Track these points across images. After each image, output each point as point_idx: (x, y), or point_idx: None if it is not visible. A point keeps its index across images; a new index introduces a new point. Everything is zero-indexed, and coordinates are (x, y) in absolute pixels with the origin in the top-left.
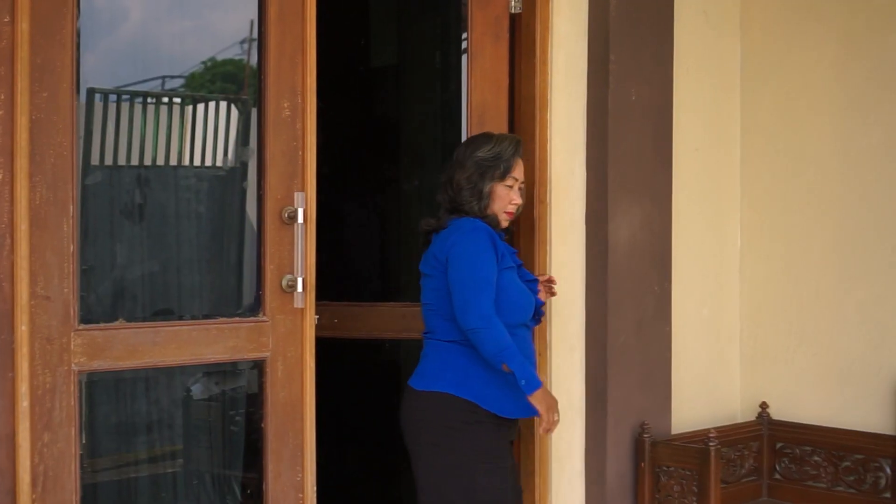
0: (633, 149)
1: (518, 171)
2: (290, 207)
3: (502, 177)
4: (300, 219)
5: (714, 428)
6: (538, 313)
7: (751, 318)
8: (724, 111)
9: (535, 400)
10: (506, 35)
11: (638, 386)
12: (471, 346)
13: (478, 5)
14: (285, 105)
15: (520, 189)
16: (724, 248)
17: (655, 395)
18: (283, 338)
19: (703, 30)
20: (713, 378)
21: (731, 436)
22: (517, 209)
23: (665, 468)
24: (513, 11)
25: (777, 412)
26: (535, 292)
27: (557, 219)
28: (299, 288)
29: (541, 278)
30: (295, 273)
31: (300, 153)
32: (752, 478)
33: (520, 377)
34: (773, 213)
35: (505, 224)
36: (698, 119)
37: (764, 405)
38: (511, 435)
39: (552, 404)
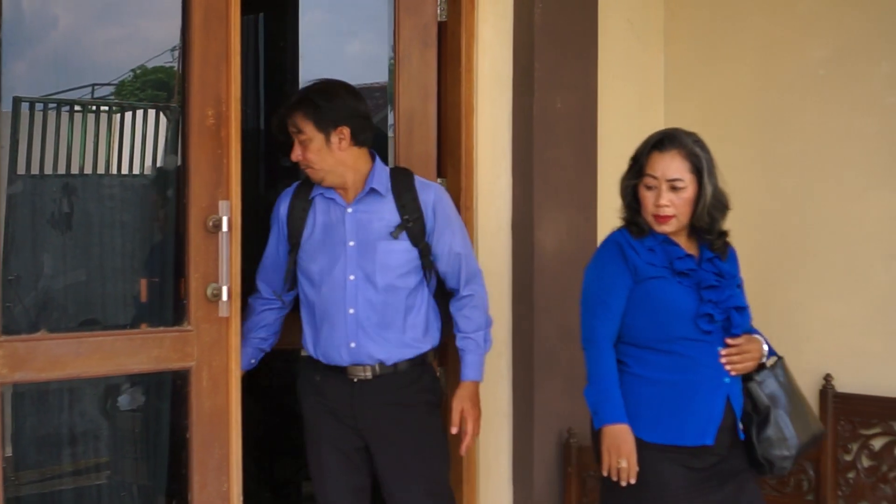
0: (559, 156)
1: (657, 168)
2: (215, 216)
3: (637, 175)
4: (225, 227)
5: None
6: (720, 321)
7: None
8: (649, 119)
9: (601, 437)
10: (434, 42)
11: (565, 391)
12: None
13: (406, 12)
14: (209, 113)
15: (674, 189)
16: None
17: (582, 400)
18: (209, 347)
19: (627, 38)
20: None
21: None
22: (671, 211)
23: (592, 473)
24: (439, 19)
25: None
26: (719, 300)
27: (484, 225)
28: (224, 297)
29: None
30: (220, 282)
31: (224, 161)
32: None
33: (590, 407)
34: None
35: (662, 230)
36: (623, 127)
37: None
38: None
39: (612, 448)
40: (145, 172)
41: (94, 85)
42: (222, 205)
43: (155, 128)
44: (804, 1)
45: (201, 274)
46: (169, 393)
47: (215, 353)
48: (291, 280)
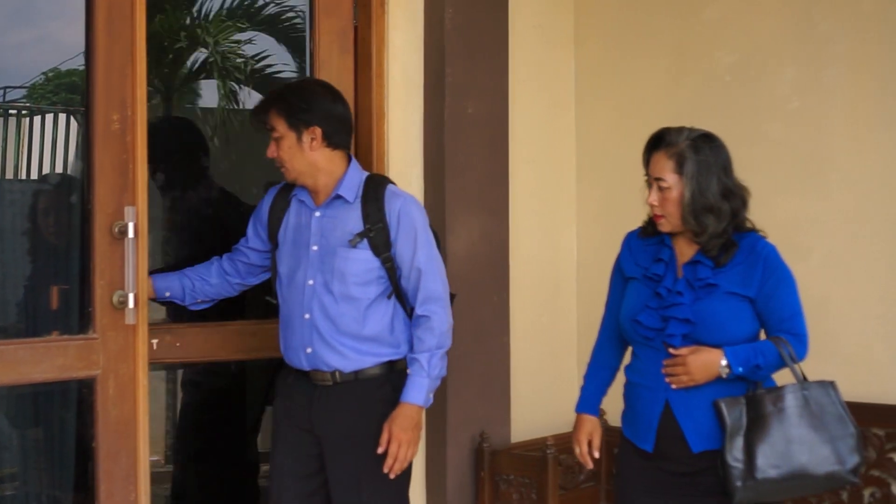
0: (470, 161)
1: (652, 168)
2: (121, 222)
3: (645, 173)
4: (131, 233)
5: (552, 435)
6: (656, 328)
7: (587, 327)
8: (560, 124)
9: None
10: (351, 48)
11: (477, 396)
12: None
13: (324, 15)
14: (115, 118)
15: (660, 189)
16: (561, 259)
17: (495, 404)
18: (115, 355)
19: (538, 44)
20: (552, 386)
21: (570, 443)
22: (659, 211)
23: (505, 477)
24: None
25: (615, 419)
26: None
27: None
28: (130, 304)
29: None
30: (126, 289)
31: (130, 166)
32: (591, 483)
33: None
34: (608, 224)
35: (661, 229)
36: (534, 132)
37: (601, 412)
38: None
39: (573, 434)
40: (53, 177)
41: (5, 88)
42: (128, 210)
43: (66, 132)
44: (712, 7)
45: (107, 281)
46: (75, 402)
47: (122, 361)
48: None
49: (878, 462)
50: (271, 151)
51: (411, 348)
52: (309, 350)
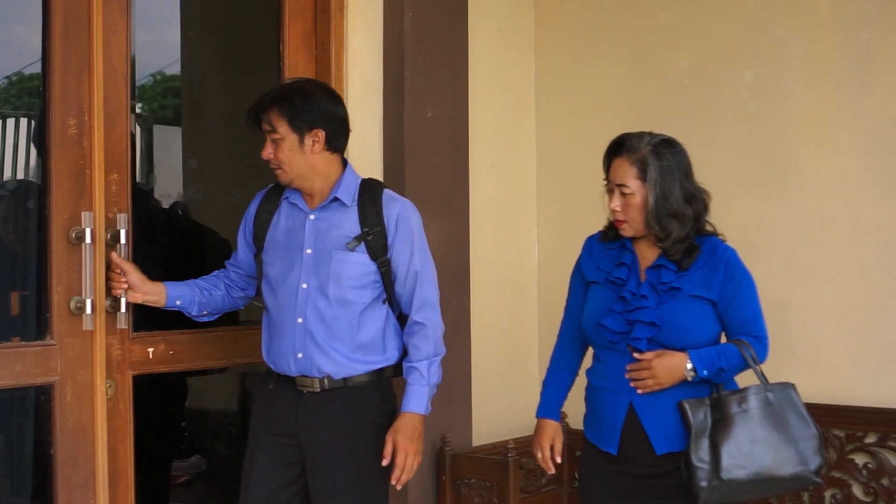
0: (430, 165)
1: (614, 174)
2: (78, 227)
3: (605, 178)
4: (88, 239)
5: (513, 439)
6: (622, 332)
7: (549, 330)
8: (520, 127)
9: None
10: (314, 51)
11: (439, 400)
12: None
13: (292, 18)
14: (71, 122)
15: (623, 195)
16: (522, 262)
17: (456, 408)
18: (73, 361)
19: (497, 47)
20: (513, 389)
21: (532, 446)
22: (621, 216)
23: (466, 480)
24: None
25: (577, 422)
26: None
27: None
28: (88, 310)
29: None
30: (84, 294)
31: (88, 171)
32: (553, 487)
33: None
34: (568, 227)
35: (623, 234)
36: (494, 135)
37: (563, 415)
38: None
39: (534, 439)
40: (11, 183)
41: None
42: (85, 216)
43: (27, 136)
44: (669, 12)
45: (64, 287)
46: (33, 408)
47: (80, 367)
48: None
49: (838, 463)
50: (267, 153)
51: (403, 356)
52: (300, 355)
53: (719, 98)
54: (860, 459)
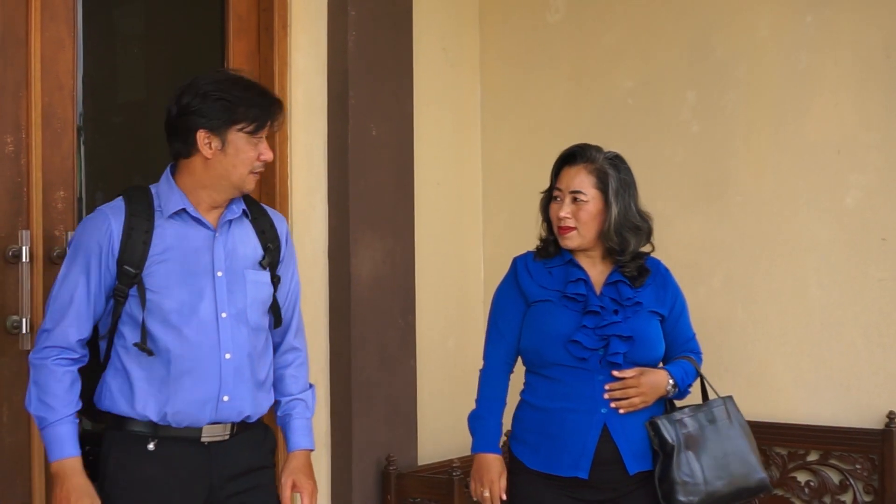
0: (375, 184)
1: (563, 180)
2: (14, 246)
3: (549, 189)
4: (25, 258)
5: (458, 458)
6: (596, 348)
7: None
8: (466, 147)
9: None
10: (258, 70)
11: (383, 419)
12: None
13: (236, 37)
14: (8, 140)
15: (576, 201)
16: (468, 280)
17: (401, 427)
18: (9, 382)
19: (442, 67)
20: (459, 408)
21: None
22: (571, 223)
23: (411, 500)
24: None
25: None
26: (605, 323)
27: (300, 255)
28: (24, 329)
29: None
30: (20, 314)
31: (25, 190)
32: None
33: (470, 432)
34: (514, 245)
35: (565, 244)
36: (440, 154)
37: (509, 433)
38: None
39: (477, 476)
40: None
41: None
42: (22, 234)
43: None
44: (611, 33)
45: (0, 306)
46: None
47: (16, 388)
48: (112, 324)
49: (781, 481)
50: (269, 155)
51: (283, 390)
52: (226, 398)
53: (662, 118)
54: (802, 477)
